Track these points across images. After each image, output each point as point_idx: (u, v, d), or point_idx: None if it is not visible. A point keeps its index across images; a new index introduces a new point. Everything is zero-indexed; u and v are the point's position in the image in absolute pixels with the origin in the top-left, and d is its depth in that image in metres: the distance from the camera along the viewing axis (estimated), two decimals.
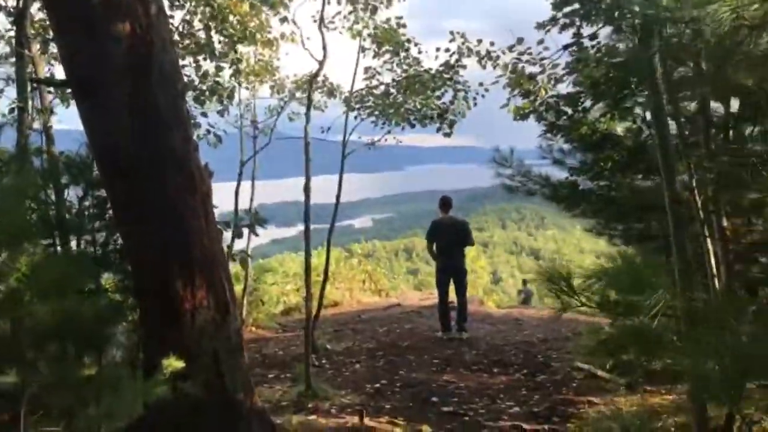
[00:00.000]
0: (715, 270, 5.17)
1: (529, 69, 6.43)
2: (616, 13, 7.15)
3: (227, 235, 6.84)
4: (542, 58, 6.49)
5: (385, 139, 10.14)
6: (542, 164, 8.74)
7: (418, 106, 8.44)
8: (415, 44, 8.58)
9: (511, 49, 6.56)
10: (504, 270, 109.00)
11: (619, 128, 7.78)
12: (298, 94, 10.66)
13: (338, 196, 9.14)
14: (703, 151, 5.38)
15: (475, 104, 8.59)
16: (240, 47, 7.20)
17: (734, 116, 5.66)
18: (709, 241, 5.15)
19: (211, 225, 4.30)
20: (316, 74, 7.82)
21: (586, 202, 7.68)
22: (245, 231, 6.98)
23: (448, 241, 9.54)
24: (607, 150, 7.71)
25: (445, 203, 9.66)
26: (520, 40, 6.43)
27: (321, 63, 7.54)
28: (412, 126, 8.67)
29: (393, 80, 8.55)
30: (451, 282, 9.56)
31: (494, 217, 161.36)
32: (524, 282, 26.59)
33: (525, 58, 6.55)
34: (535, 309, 13.98)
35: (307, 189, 6.63)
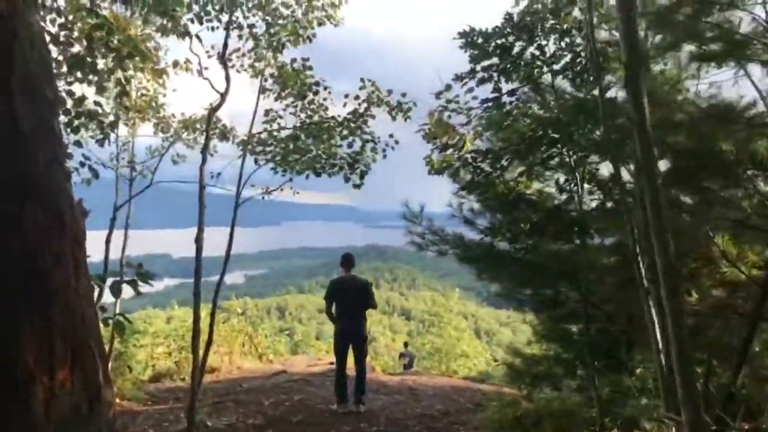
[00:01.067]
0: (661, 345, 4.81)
1: (455, 120, 5.97)
2: (535, 71, 7.06)
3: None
4: (469, 109, 6.07)
5: (281, 189, 9.25)
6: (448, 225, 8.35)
7: (324, 155, 7.70)
8: (325, 87, 7.91)
9: (438, 95, 6.07)
10: (376, 330, 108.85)
11: (533, 189, 7.53)
12: (185, 135, 9.59)
13: (228, 251, 8.11)
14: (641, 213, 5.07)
15: (385, 156, 8.01)
16: (129, 72, 6.13)
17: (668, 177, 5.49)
18: (654, 311, 4.79)
19: (83, 279, 3.23)
20: (218, 107, 6.91)
21: (499, 265, 7.23)
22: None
23: (350, 302, 8.68)
24: (522, 211, 7.40)
25: (348, 261, 8.83)
26: (448, 87, 5.97)
27: (223, 95, 6.67)
28: (318, 175, 7.90)
29: (299, 124, 7.78)
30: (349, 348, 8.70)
31: (368, 277, 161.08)
32: (405, 345, 26.12)
33: (451, 107, 6.09)
34: (427, 376, 13.37)
35: (199, 240, 5.63)
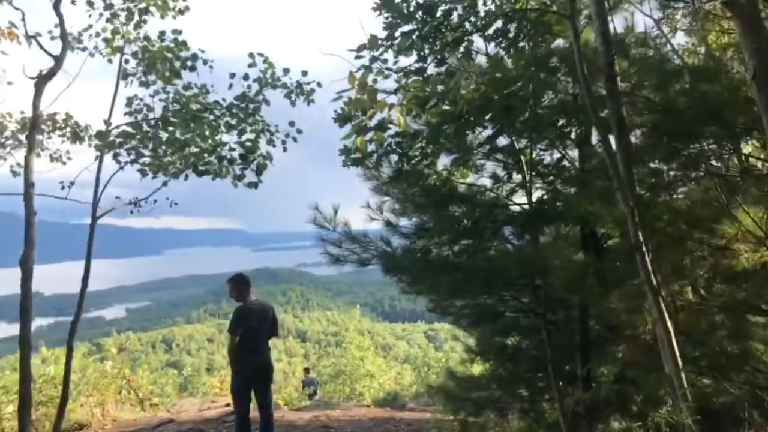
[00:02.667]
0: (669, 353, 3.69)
1: (381, 86, 4.60)
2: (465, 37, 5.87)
3: None
4: (401, 71, 4.74)
5: (154, 201, 7.50)
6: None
7: (207, 148, 6.05)
8: (205, 62, 6.27)
9: (358, 53, 4.62)
10: (272, 354, 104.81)
11: (465, 182, 6.34)
12: (22, 138, 7.58)
13: (84, 284, 6.31)
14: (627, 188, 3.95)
15: (285, 149, 6.50)
16: None
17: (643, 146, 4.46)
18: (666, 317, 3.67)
19: None
20: (51, 73, 5.13)
21: (435, 274, 5.92)
22: None
23: (260, 332, 7.02)
24: (455, 208, 6.18)
25: (247, 283, 7.15)
26: (373, 42, 4.55)
27: (58, 59, 4.92)
28: (200, 174, 6.26)
29: (171, 112, 6.06)
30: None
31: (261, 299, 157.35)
32: (306, 371, 24.40)
33: (377, 67, 4.71)
34: (340, 408, 11.82)
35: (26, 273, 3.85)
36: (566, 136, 5.23)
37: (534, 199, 5.66)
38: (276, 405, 11.62)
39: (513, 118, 4.83)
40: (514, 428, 7.23)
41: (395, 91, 4.51)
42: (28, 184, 4.64)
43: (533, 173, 5.60)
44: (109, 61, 6.61)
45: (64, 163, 8.27)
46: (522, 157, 5.60)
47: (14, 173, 7.99)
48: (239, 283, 7.05)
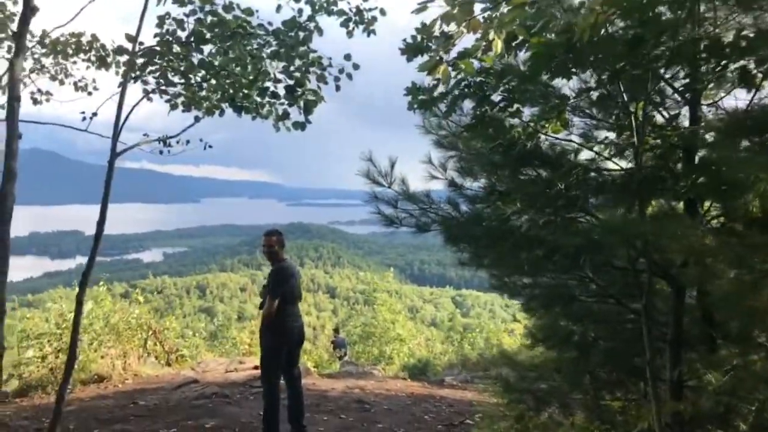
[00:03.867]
0: None
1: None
2: None
3: None
4: None
5: (187, 142, 6.61)
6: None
7: (246, 77, 5.05)
8: None
9: None
10: (301, 309, 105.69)
11: (554, 140, 5.25)
12: (47, 60, 6.70)
13: (101, 224, 5.43)
14: None
15: (338, 87, 5.47)
16: None
17: None
18: None
19: None
20: None
21: (512, 247, 4.90)
22: None
23: (295, 294, 6.30)
24: (536, 170, 5.13)
25: (282, 240, 6.35)
26: None
27: None
28: (238, 111, 5.32)
29: (202, 26, 5.03)
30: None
31: (293, 255, 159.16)
32: (336, 331, 23.85)
33: None
34: (375, 380, 11.02)
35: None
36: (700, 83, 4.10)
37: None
38: (306, 369, 10.91)
39: (640, 54, 3.72)
40: (578, 429, 6.29)
41: (494, 4, 3.42)
42: (12, 98, 3.76)
43: (645, 131, 4.49)
44: None
45: (90, 94, 7.43)
46: (632, 110, 4.48)
47: (35, 101, 7.17)
48: (282, 239, 6.28)
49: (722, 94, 4.45)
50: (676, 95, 4.73)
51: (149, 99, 5.65)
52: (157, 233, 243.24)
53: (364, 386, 9.53)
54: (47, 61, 6.98)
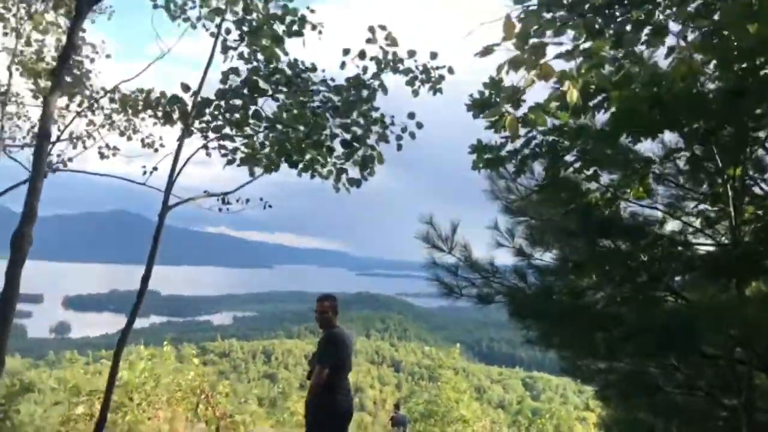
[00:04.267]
0: None
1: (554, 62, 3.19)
2: None
3: None
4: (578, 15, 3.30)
5: (246, 201, 6.53)
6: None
7: (304, 131, 4.85)
8: (314, 27, 5.10)
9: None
10: (364, 380, 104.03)
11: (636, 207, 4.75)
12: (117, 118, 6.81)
13: (145, 279, 5.25)
14: None
15: (400, 147, 5.22)
16: None
17: None
18: None
19: None
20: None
21: (582, 326, 4.36)
22: None
23: (347, 365, 5.68)
24: (613, 240, 4.62)
25: (335, 306, 5.82)
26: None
27: None
28: (294, 165, 5.12)
29: (270, 93, 4.93)
30: None
31: (359, 325, 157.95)
32: (396, 407, 22.92)
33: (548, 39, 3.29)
34: None
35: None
36: None
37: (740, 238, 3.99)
38: None
39: (739, 111, 3.25)
40: None
41: (571, 52, 3.05)
42: (42, 135, 3.65)
43: (743, 200, 3.95)
44: (209, 31, 5.68)
45: (156, 150, 7.50)
46: (725, 177, 3.96)
47: (102, 155, 7.28)
48: (336, 305, 5.78)
49: None
50: None
51: (208, 154, 5.57)
52: (229, 297, 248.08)
53: None
54: (117, 117, 7.11)
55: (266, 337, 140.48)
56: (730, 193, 3.87)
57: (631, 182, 4.15)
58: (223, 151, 5.26)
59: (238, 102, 4.80)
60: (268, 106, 5.05)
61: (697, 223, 4.45)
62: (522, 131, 4.09)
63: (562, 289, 4.60)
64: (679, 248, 4.29)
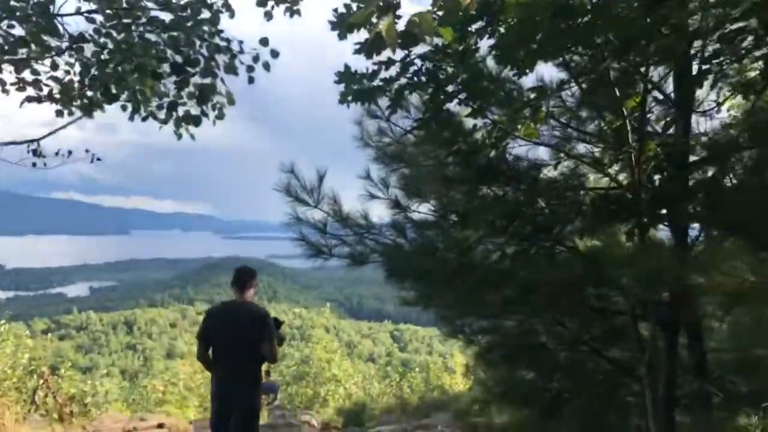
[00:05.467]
0: None
1: None
2: None
3: None
4: None
5: (69, 153, 5.37)
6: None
7: (130, 60, 3.78)
8: None
9: None
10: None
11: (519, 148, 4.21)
12: None
13: None
14: None
15: (251, 80, 4.28)
16: None
17: None
18: None
19: None
20: None
21: (471, 283, 3.78)
22: None
23: (232, 344, 4.94)
24: (499, 186, 4.06)
25: (239, 279, 5.02)
26: None
27: None
28: (113, 99, 4.04)
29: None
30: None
31: (227, 289, 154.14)
32: (267, 374, 22.10)
33: None
34: None
35: None
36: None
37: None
38: None
39: (658, 21, 2.71)
40: None
41: None
42: None
43: (642, 138, 3.49)
44: None
45: None
46: (623, 111, 3.48)
47: None
48: (232, 279, 5.16)
49: None
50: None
51: (5, 91, 4.31)
52: (83, 267, 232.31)
53: None
54: None
55: (127, 308, 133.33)
56: (629, 128, 3.38)
57: (520, 118, 3.56)
58: (15, 83, 4.05)
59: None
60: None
61: (588, 165, 3.99)
62: (398, 55, 3.36)
63: (445, 244, 3.98)
64: (570, 193, 3.81)
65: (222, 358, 4.99)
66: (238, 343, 4.89)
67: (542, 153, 4.35)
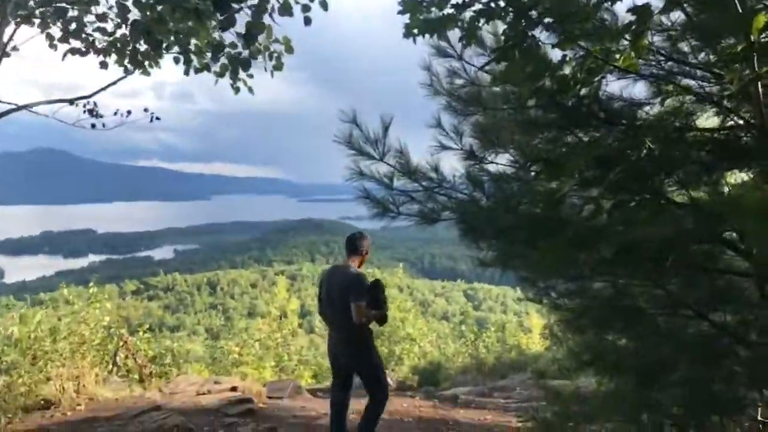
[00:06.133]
0: None
1: None
2: None
3: None
4: None
5: (128, 113, 5.21)
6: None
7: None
8: None
9: None
10: (312, 304, 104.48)
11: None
12: None
13: None
14: None
15: (308, 21, 3.88)
16: None
17: None
18: None
19: None
20: None
21: (562, 241, 3.29)
22: None
23: (332, 307, 5.32)
24: (597, 130, 3.52)
25: (348, 244, 5.53)
26: None
27: None
28: (157, 46, 3.75)
29: None
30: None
31: (304, 251, 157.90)
32: None
33: None
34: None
35: None
36: None
37: None
38: (296, 386, 9.37)
39: None
40: None
41: None
42: None
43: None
44: None
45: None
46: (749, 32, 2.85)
47: None
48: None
49: None
50: None
51: (53, 47, 4.09)
52: (168, 231, 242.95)
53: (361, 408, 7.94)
54: None
55: (209, 269, 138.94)
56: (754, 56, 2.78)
57: (617, 47, 3.00)
58: (59, 37, 3.81)
59: None
60: None
61: (699, 102, 3.38)
62: None
63: (530, 198, 3.49)
64: (677, 134, 3.23)
65: (327, 321, 5.49)
66: (333, 307, 5.21)
67: (639, 91, 3.76)
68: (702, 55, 3.57)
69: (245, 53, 3.86)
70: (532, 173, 3.67)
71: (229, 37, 4.20)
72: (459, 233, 3.84)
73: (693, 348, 4.44)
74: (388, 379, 14.47)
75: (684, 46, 3.56)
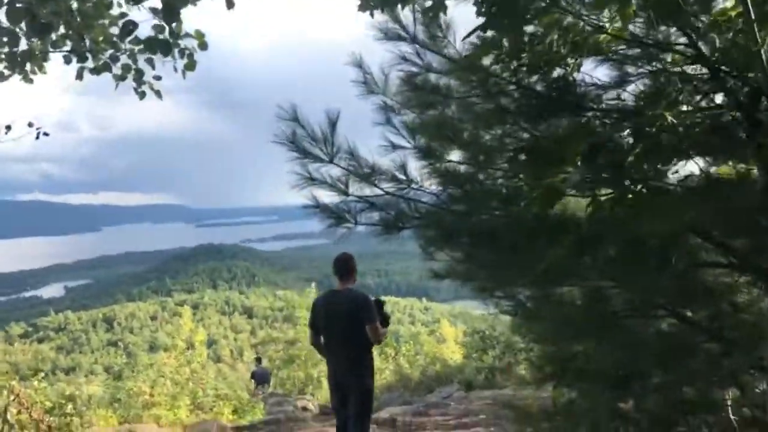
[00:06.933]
0: None
1: None
2: None
3: None
4: None
5: (7, 128, 4.33)
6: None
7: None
8: None
9: None
10: (217, 332, 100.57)
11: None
12: None
13: None
14: None
15: (230, 5, 3.24)
16: None
17: None
18: None
19: None
20: None
21: (552, 241, 2.85)
22: None
23: (338, 331, 5.27)
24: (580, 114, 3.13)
25: (339, 267, 5.39)
26: None
27: None
28: (43, 32, 3.01)
29: None
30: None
31: (205, 278, 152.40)
32: (258, 360, 21.18)
33: None
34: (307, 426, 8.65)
35: None
36: None
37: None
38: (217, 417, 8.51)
39: None
40: None
41: None
42: None
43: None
44: None
45: None
46: None
47: None
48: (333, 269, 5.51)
49: None
50: None
51: None
52: (57, 267, 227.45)
53: None
54: None
55: (105, 305, 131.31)
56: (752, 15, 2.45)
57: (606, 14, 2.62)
58: None
59: None
60: None
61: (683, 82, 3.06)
62: None
63: (527, 197, 3.02)
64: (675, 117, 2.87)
65: (329, 346, 5.31)
66: (342, 331, 5.14)
67: (606, 74, 3.41)
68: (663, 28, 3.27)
69: (165, 34, 3.16)
70: (505, 168, 3.23)
71: (138, 16, 3.48)
72: (424, 241, 3.33)
73: (664, 351, 4.17)
74: (310, 405, 13.71)
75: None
